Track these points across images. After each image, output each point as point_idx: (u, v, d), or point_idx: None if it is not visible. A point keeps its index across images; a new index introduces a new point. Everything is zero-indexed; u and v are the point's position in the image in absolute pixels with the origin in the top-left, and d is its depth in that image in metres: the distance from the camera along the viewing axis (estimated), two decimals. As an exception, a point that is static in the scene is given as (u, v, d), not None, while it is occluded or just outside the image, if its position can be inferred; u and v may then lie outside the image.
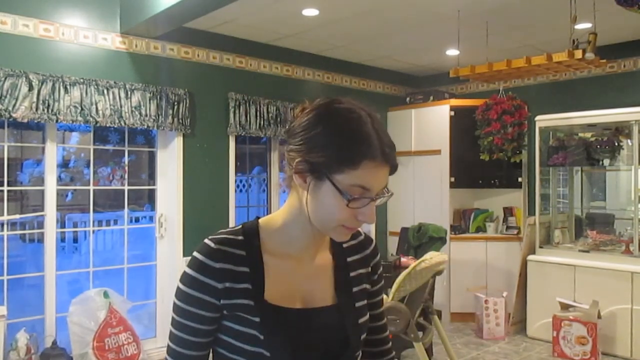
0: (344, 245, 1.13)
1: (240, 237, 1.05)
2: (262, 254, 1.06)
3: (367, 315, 1.12)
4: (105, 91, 3.84)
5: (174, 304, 1.04)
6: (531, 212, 5.24)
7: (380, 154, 0.94)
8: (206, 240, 1.04)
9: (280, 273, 1.05)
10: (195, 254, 1.04)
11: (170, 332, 1.06)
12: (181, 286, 1.03)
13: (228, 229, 1.08)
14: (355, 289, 1.12)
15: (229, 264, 1.02)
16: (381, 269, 1.20)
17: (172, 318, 1.05)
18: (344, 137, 0.94)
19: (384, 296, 3.18)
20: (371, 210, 0.97)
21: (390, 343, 1.23)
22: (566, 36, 3.76)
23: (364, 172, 0.93)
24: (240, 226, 1.08)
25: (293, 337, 1.02)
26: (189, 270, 1.02)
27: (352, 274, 1.12)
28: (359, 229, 1.13)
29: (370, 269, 1.16)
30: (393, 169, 0.98)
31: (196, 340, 1.04)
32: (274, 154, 5.22)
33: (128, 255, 4.31)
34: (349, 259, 1.13)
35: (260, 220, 1.09)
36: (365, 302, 1.13)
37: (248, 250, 1.05)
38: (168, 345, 1.06)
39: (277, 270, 1.05)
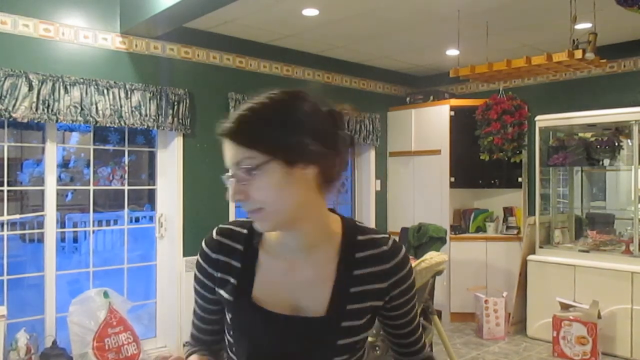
0: (357, 255, 1.03)
1: (245, 231, 1.07)
2: (259, 251, 1.06)
3: (358, 336, 1.03)
4: (105, 91, 3.84)
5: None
6: (531, 212, 5.24)
7: (223, 126, 0.94)
8: (215, 228, 1.10)
9: (272, 274, 1.04)
10: (204, 238, 1.11)
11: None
12: (195, 264, 1.13)
13: (240, 220, 1.11)
14: (350, 307, 1.01)
15: (224, 256, 1.06)
16: (407, 284, 1.06)
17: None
18: None
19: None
20: (232, 187, 0.94)
21: (423, 353, 1.17)
22: (566, 36, 3.76)
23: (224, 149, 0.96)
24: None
25: (255, 341, 1.02)
26: (199, 252, 1.11)
27: (353, 290, 1.02)
28: (388, 237, 1.06)
29: (387, 285, 1.03)
30: (233, 137, 0.93)
31: (203, 315, 1.14)
32: (274, 154, 5.21)
33: (128, 255, 4.31)
34: (356, 272, 1.02)
35: None
36: (360, 321, 1.02)
37: (246, 246, 1.06)
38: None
39: (269, 270, 1.04)
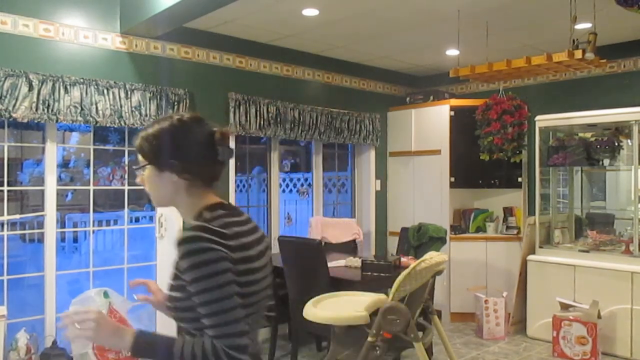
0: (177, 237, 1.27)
1: None
2: None
3: (176, 303, 1.29)
4: (105, 91, 3.84)
5: None
6: (531, 212, 5.24)
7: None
8: None
9: None
10: None
11: None
12: None
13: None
14: (169, 281, 1.32)
15: None
16: (181, 266, 1.22)
17: None
18: None
19: (383, 296, 3.18)
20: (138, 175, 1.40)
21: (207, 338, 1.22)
22: (566, 36, 3.76)
23: None
24: None
25: None
26: None
27: (171, 269, 1.32)
28: (189, 229, 1.27)
29: (175, 268, 1.27)
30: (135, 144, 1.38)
31: None
32: (274, 154, 5.22)
33: (128, 255, 4.31)
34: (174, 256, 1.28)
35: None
36: (171, 293, 1.31)
37: None
38: None
39: None
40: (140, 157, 1.37)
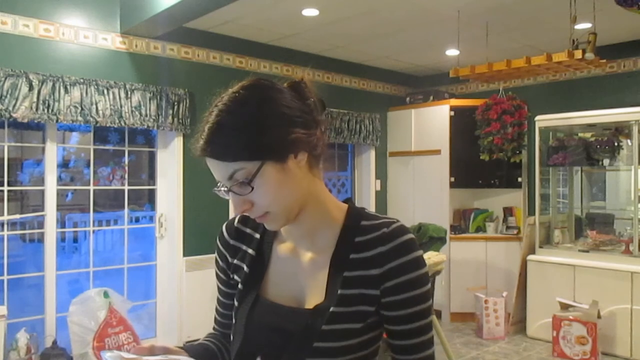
0: (357, 240, 0.96)
1: None
2: (274, 241, 1.05)
3: (343, 324, 0.93)
4: (105, 91, 3.84)
5: None
6: (531, 212, 5.24)
7: (199, 147, 0.91)
8: (239, 215, 1.10)
9: (282, 264, 1.03)
10: (225, 223, 1.14)
11: None
12: (216, 248, 1.14)
13: None
14: (341, 291, 0.94)
15: (241, 243, 1.08)
16: (407, 277, 0.93)
17: None
18: None
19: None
20: (233, 200, 0.93)
21: None
22: (566, 36, 3.76)
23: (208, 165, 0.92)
24: None
25: (250, 331, 0.99)
26: (217, 237, 1.13)
27: (346, 274, 0.95)
28: (394, 222, 0.97)
29: (381, 271, 0.93)
30: (214, 155, 0.89)
31: (220, 297, 1.13)
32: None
33: (128, 255, 4.31)
34: (352, 256, 0.95)
35: None
36: (348, 309, 0.93)
37: (263, 235, 1.07)
38: None
39: (280, 260, 1.03)
40: (233, 167, 0.89)
